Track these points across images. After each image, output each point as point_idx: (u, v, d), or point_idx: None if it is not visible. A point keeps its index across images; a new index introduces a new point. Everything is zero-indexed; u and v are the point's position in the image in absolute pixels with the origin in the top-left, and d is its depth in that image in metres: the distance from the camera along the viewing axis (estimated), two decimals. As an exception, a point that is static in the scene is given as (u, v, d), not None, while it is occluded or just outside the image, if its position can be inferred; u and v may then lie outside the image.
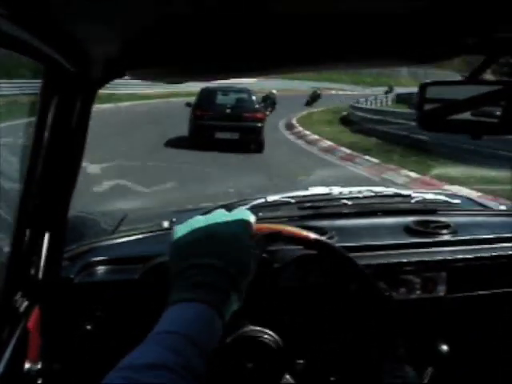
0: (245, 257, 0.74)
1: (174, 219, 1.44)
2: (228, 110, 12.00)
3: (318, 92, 27.28)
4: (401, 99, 24.63)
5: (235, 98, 12.49)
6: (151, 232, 1.38)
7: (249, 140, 11.48)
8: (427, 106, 0.91)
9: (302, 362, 1.03)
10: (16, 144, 1.00)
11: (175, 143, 11.51)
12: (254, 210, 1.48)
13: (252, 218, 0.81)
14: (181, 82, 1.10)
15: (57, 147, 0.91)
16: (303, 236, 0.98)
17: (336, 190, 1.60)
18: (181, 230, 0.76)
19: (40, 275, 1.00)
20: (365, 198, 1.57)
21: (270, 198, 1.52)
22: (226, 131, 11.55)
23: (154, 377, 0.55)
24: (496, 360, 1.31)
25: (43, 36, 0.64)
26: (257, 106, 12.64)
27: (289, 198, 1.55)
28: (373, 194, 1.62)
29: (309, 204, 1.51)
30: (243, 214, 0.81)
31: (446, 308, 1.29)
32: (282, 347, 1.00)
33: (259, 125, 11.91)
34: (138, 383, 0.54)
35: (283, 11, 0.68)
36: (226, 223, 0.77)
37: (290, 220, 1.37)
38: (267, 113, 14.94)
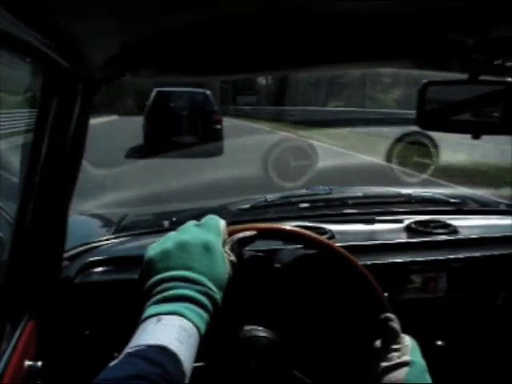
0: (217, 264, 0.74)
1: (174, 219, 1.44)
2: (185, 113, 11.40)
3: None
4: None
5: (192, 100, 11.78)
6: (151, 232, 1.38)
7: (208, 143, 10.91)
8: (427, 106, 0.91)
9: (301, 361, 1.03)
10: (16, 144, 1.00)
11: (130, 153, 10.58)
12: (254, 209, 1.48)
13: (222, 224, 0.81)
14: (180, 82, 1.10)
15: (57, 147, 0.91)
16: (277, 229, 0.98)
17: (336, 190, 1.60)
18: (153, 248, 0.77)
19: (40, 275, 1.00)
20: (365, 197, 1.57)
21: (270, 198, 1.52)
22: (183, 135, 11.03)
23: None
24: (496, 359, 1.31)
25: (43, 36, 0.64)
26: (215, 108, 12.14)
27: (289, 197, 1.55)
28: (373, 193, 1.62)
29: (309, 204, 1.51)
30: (212, 221, 0.81)
31: (446, 308, 1.29)
32: (281, 347, 1.00)
33: (218, 126, 11.54)
34: None
35: (282, 11, 0.68)
36: (196, 233, 0.77)
37: (290, 220, 1.37)
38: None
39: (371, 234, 1.38)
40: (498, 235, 1.39)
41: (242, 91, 36.97)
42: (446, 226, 1.41)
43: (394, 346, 0.87)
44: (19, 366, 0.88)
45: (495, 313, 1.31)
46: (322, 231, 1.31)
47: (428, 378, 0.85)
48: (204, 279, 0.71)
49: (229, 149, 10.82)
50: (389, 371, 0.84)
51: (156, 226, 1.42)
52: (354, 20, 0.72)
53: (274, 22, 0.72)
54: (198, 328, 0.67)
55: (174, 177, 7.47)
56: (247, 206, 1.49)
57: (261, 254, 1.13)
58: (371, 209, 1.53)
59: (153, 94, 11.91)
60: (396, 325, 0.89)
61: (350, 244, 1.24)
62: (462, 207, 1.60)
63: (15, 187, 0.91)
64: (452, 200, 1.62)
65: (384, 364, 0.85)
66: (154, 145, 10.71)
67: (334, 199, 1.55)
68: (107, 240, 1.32)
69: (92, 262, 1.20)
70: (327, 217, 1.46)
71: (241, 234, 0.86)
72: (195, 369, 0.96)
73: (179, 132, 11.04)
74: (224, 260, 0.76)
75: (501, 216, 1.59)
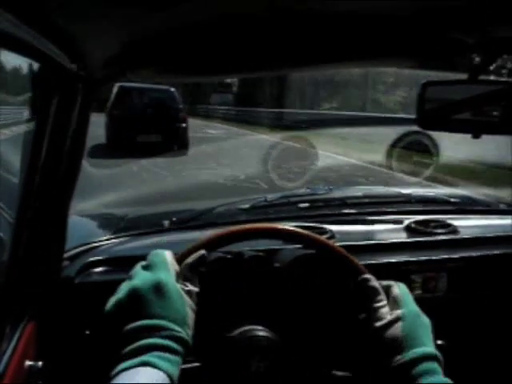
0: (174, 302, 0.74)
1: (175, 219, 1.44)
2: (149, 111, 10.96)
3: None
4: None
5: (156, 98, 11.27)
6: (151, 232, 1.38)
7: (172, 142, 10.68)
8: (427, 106, 0.91)
9: (301, 361, 1.03)
10: (16, 144, 1.00)
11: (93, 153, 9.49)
12: (254, 209, 1.48)
13: (168, 257, 0.80)
14: (180, 82, 1.10)
15: (57, 147, 0.91)
16: (277, 229, 0.98)
17: (336, 190, 1.60)
18: (110, 302, 0.77)
19: (40, 275, 1.00)
20: (365, 197, 1.57)
21: (270, 198, 1.52)
22: (148, 133, 10.59)
23: None
24: (496, 359, 1.31)
25: (43, 36, 0.64)
26: (180, 105, 11.72)
27: (289, 197, 1.55)
28: (373, 193, 1.62)
29: (308, 204, 1.51)
30: (157, 257, 0.80)
31: (446, 307, 1.29)
32: (281, 346, 1.00)
33: (183, 125, 11.24)
34: None
35: (282, 11, 0.68)
36: (144, 277, 0.77)
37: (290, 220, 1.37)
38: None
39: (371, 234, 1.38)
40: (498, 235, 1.39)
41: (216, 88, 31.14)
42: (446, 225, 1.41)
43: (380, 304, 0.86)
44: (20, 366, 0.88)
45: (495, 312, 1.31)
46: (322, 231, 1.31)
47: (423, 321, 0.84)
48: (164, 322, 0.71)
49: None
50: (383, 330, 0.83)
51: (156, 226, 1.42)
52: (354, 19, 0.72)
53: (274, 22, 0.72)
54: (169, 375, 0.67)
55: (175, 177, 7.48)
56: (247, 205, 1.49)
57: (261, 253, 1.13)
58: (371, 209, 1.53)
59: (115, 89, 11.19)
60: (375, 283, 0.89)
61: (349, 244, 1.24)
62: (462, 207, 1.60)
63: (15, 187, 0.91)
64: (452, 200, 1.62)
65: (377, 324, 0.84)
66: (118, 144, 10.34)
67: (334, 199, 1.55)
68: (107, 240, 1.32)
69: (92, 261, 1.20)
70: (327, 217, 1.46)
71: (189, 260, 0.84)
72: (195, 369, 0.96)
73: (143, 130, 10.62)
74: (180, 294, 0.75)
75: (501, 216, 1.59)
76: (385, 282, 0.91)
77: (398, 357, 0.79)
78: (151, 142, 10.47)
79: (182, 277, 0.80)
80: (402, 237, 1.37)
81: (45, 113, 0.86)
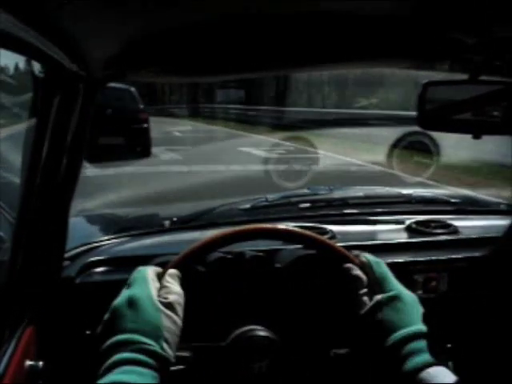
0: (147, 316, 0.75)
1: (175, 219, 1.44)
2: (109, 112, 10.27)
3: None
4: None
5: (115, 98, 10.61)
6: (151, 232, 1.38)
7: (134, 144, 10.34)
8: (428, 106, 0.91)
9: (301, 361, 1.03)
10: (16, 144, 1.00)
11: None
12: (255, 209, 1.48)
13: (148, 272, 0.82)
14: (180, 82, 1.10)
15: (57, 147, 0.91)
16: (277, 229, 0.98)
17: (337, 190, 1.60)
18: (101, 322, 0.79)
19: (41, 275, 1.00)
20: (365, 197, 1.57)
21: (270, 198, 1.52)
22: (108, 136, 9.94)
23: None
24: (496, 359, 1.31)
25: (43, 36, 0.64)
26: (141, 106, 11.35)
27: (289, 197, 1.55)
28: (373, 193, 1.62)
29: (309, 204, 1.51)
30: (138, 273, 0.82)
31: (447, 308, 1.29)
32: (281, 346, 1.00)
33: (144, 126, 10.89)
34: None
35: (282, 12, 0.68)
36: (123, 294, 0.79)
37: (291, 220, 1.37)
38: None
39: (372, 234, 1.38)
40: (498, 234, 1.39)
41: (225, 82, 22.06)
42: (446, 226, 1.41)
43: (362, 291, 0.88)
44: (20, 366, 0.88)
45: (496, 312, 1.31)
46: (323, 231, 1.31)
47: (406, 299, 0.84)
48: (135, 336, 0.72)
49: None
50: (366, 317, 0.84)
51: (156, 226, 1.42)
52: (354, 20, 0.72)
53: (274, 22, 0.72)
54: None
55: (174, 177, 7.45)
56: (248, 206, 1.49)
57: (261, 254, 1.13)
58: (372, 209, 1.52)
59: None
60: (358, 271, 0.91)
61: (350, 244, 1.24)
62: (462, 207, 1.60)
63: (16, 187, 0.91)
64: (453, 200, 1.62)
65: (361, 312, 0.85)
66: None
67: (335, 199, 1.55)
68: (108, 240, 1.32)
69: (93, 262, 1.20)
70: (328, 217, 1.46)
71: (171, 271, 0.85)
72: (195, 369, 0.96)
73: (103, 132, 9.86)
74: (155, 308, 0.76)
75: (501, 216, 1.59)
76: (368, 257, 0.92)
77: (384, 341, 0.80)
78: (113, 145, 10.02)
79: (163, 289, 0.81)
80: (403, 237, 1.37)
81: (45, 113, 0.86)
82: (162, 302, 0.78)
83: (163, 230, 1.40)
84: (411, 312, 0.83)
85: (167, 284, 0.81)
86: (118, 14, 0.64)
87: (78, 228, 1.42)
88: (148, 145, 10.84)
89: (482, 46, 0.79)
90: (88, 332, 1.09)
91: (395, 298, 0.84)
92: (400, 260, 1.27)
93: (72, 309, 1.12)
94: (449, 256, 1.30)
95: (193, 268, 1.03)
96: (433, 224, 1.41)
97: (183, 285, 0.85)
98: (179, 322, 0.78)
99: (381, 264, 0.92)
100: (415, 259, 1.28)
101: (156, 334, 0.74)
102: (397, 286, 0.87)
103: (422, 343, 0.78)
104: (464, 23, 0.72)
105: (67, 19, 0.62)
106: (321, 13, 0.69)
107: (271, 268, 1.10)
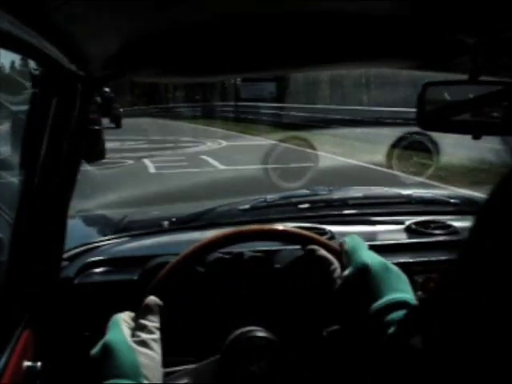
0: (122, 360, 0.75)
1: (174, 219, 1.44)
2: None
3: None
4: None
5: None
6: (151, 233, 1.38)
7: (88, 146, 10.59)
8: (427, 107, 0.91)
9: (301, 360, 1.03)
10: (16, 144, 1.00)
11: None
12: (254, 210, 1.48)
13: (119, 317, 0.82)
14: (180, 82, 1.10)
15: (56, 147, 0.91)
16: (277, 230, 0.99)
17: (336, 190, 1.60)
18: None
19: (39, 275, 1.00)
20: (365, 198, 1.57)
21: (270, 198, 1.52)
22: None
23: None
24: (496, 358, 1.30)
25: (43, 36, 0.64)
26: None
27: (289, 197, 1.55)
28: (373, 194, 1.62)
29: (308, 204, 1.51)
30: (112, 321, 0.82)
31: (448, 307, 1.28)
32: (281, 347, 1.00)
33: (96, 127, 10.91)
34: None
35: (282, 12, 0.68)
36: (99, 344, 0.79)
37: (290, 220, 1.37)
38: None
39: (371, 235, 1.37)
40: None
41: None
42: (446, 226, 1.41)
43: (331, 268, 0.89)
44: (18, 367, 0.87)
45: (496, 312, 1.31)
46: (322, 232, 1.31)
47: (378, 269, 0.81)
48: (117, 381, 0.73)
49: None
50: (339, 294, 0.84)
51: (156, 227, 1.42)
52: (354, 20, 0.71)
53: (274, 22, 0.72)
54: None
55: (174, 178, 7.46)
56: (247, 206, 1.48)
57: (260, 254, 1.13)
58: (371, 209, 1.52)
59: None
60: (322, 251, 0.92)
61: None
62: (462, 208, 1.60)
63: (15, 187, 0.91)
64: (452, 201, 1.62)
65: (334, 289, 0.86)
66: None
67: (334, 200, 1.55)
68: (107, 240, 1.32)
69: (92, 262, 1.20)
70: (327, 217, 1.46)
71: (142, 307, 0.85)
72: (194, 369, 0.96)
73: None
74: (128, 349, 0.77)
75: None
76: (347, 238, 0.92)
77: (364, 311, 0.77)
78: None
79: (138, 328, 0.82)
80: (402, 238, 1.37)
81: (44, 113, 0.86)
82: (135, 342, 0.79)
83: (162, 231, 1.40)
84: (382, 282, 0.80)
85: (142, 321, 0.83)
86: (117, 14, 0.64)
87: (77, 228, 1.42)
88: (102, 147, 10.72)
89: (482, 46, 0.78)
90: (87, 333, 1.09)
91: (362, 270, 0.81)
92: (399, 260, 1.26)
93: (71, 309, 1.12)
94: (448, 257, 1.30)
95: (192, 269, 1.02)
96: (432, 225, 1.41)
97: (180, 288, 0.85)
98: (157, 356, 0.80)
99: (354, 238, 0.90)
100: (415, 260, 1.27)
101: (136, 373, 0.75)
102: (364, 257, 0.83)
103: (395, 314, 0.75)
104: (464, 23, 0.72)
105: (66, 19, 0.62)
106: (321, 13, 0.69)
107: (270, 269, 1.10)
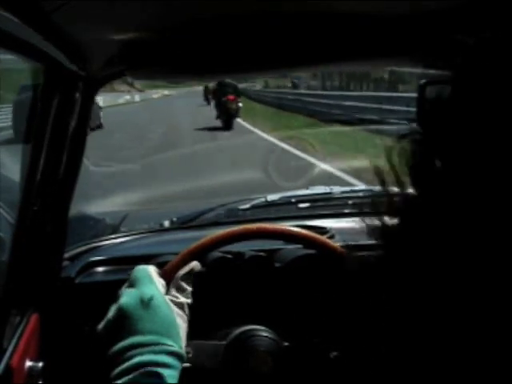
0: (162, 315, 0.72)
1: (175, 219, 1.44)
2: None
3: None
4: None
5: None
6: (151, 232, 1.38)
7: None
8: (427, 106, 0.91)
9: (302, 361, 1.03)
10: (16, 143, 1.00)
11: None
12: (254, 209, 1.48)
13: (151, 270, 0.78)
14: (180, 82, 1.10)
15: (57, 147, 0.91)
16: (277, 230, 0.98)
17: (336, 190, 1.60)
18: (100, 324, 0.76)
19: (40, 275, 1.00)
20: (365, 197, 1.57)
21: (270, 198, 1.52)
22: None
23: None
24: (496, 358, 1.30)
25: (43, 36, 0.64)
26: None
27: (289, 197, 1.55)
28: (373, 192, 1.62)
29: (309, 204, 1.51)
30: (140, 272, 0.77)
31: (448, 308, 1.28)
32: (282, 346, 1.00)
33: None
34: None
35: (282, 11, 0.68)
36: (129, 294, 0.74)
37: (290, 219, 1.37)
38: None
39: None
40: None
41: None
42: None
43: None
44: (20, 367, 0.88)
45: (496, 312, 1.31)
46: (323, 231, 1.31)
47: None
48: (152, 337, 0.69)
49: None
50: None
51: (156, 226, 1.42)
52: (354, 19, 0.72)
53: (274, 22, 0.72)
54: None
55: (174, 177, 7.46)
56: (247, 205, 1.49)
57: (261, 253, 1.13)
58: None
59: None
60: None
61: (350, 244, 1.24)
62: None
63: (16, 187, 0.91)
64: None
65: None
66: None
67: (335, 199, 1.55)
68: (107, 240, 1.32)
69: (92, 261, 1.20)
70: (327, 217, 1.46)
71: (181, 272, 0.82)
72: (194, 369, 0.96)
73: None
74: (168, 306, 0.74)
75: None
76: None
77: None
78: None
79: (173, 288, 0.79)
80: None
81: (45, 112, 0.86)
82: (173, 302, 0.76)
83: (163, 230, 1.40)
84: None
85: (182, 284, 0.80)
86: (118, 13, 0.64)
87: (78, 228, 1.42)
88: None
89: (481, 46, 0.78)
90: (89, 327, 1.09)
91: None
92: None
93: (72, 309, 1.12)
94: None
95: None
96: None
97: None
98: (186, 321, 0.77)
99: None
100: None
101: (176, 334, 0.72)
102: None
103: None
104: (464, 23, 0.72)
105: (67, 19, 0.62)
106: (321, 13, 0.69)
107: (271, 268, 1.10)
